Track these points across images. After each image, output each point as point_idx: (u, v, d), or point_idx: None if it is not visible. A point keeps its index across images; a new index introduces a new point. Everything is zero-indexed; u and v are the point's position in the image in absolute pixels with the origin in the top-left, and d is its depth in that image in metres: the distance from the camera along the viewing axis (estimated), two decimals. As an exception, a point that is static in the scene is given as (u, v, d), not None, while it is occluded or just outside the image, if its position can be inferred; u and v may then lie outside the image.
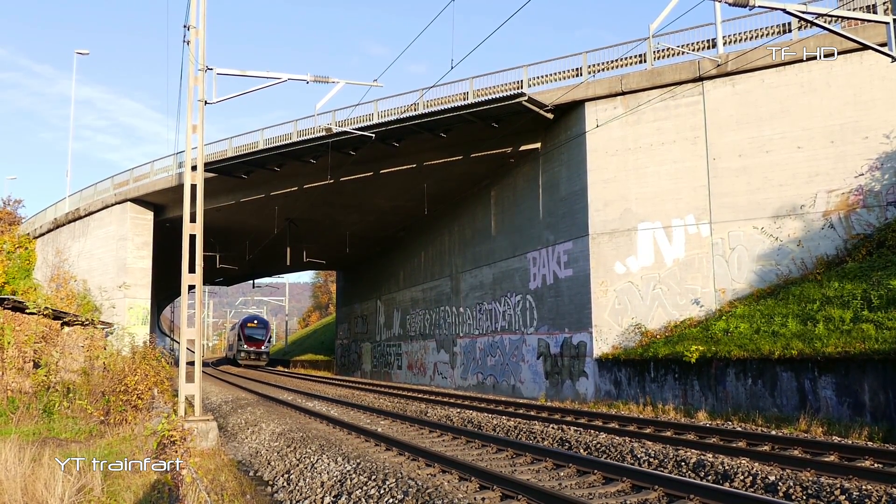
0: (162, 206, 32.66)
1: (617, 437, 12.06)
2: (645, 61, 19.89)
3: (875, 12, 15.92)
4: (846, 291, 14.65)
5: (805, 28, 17.39)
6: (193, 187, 13.49)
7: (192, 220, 13.48)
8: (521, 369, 23.44)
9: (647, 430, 12.96)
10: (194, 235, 13.36)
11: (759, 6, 10.35)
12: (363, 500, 8.11)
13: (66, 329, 21.69)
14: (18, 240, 37.90)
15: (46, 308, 18.73)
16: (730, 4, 10.08)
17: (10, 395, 16.32)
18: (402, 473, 8.81)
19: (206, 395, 24.96)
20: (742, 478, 8.54)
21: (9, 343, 17.17)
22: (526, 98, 20.11)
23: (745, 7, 10.12)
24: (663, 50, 19.43)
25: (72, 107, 46.51)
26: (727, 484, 8.52)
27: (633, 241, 19.37)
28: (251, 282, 61.33)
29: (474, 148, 23.61)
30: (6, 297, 18.16)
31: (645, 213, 19.33)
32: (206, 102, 13.89)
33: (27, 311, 18.58)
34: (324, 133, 23.34)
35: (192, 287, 13.61)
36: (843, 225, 16.84)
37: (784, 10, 10.69)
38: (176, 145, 40.92)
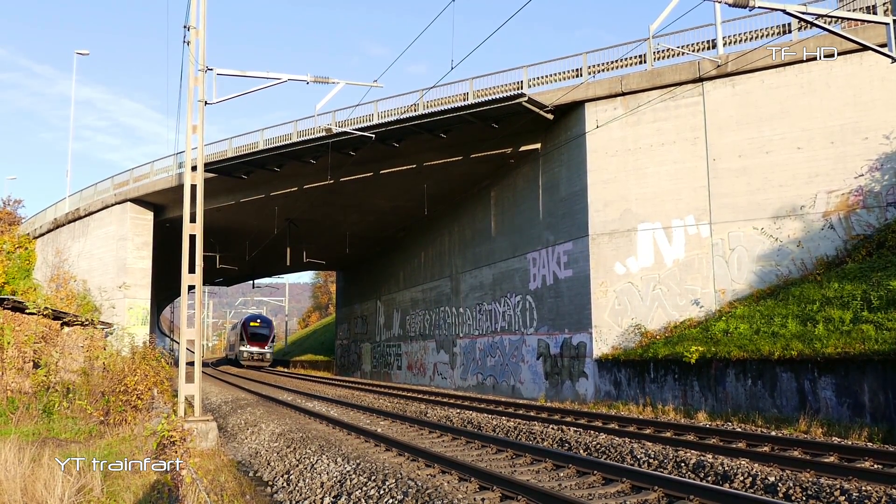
0: (162, 207, 32.67)
1: (617, 438, 12.06)
2: (645, 62, 19.89)
3: (875, 13, 15.93)
4: (846, 292, 14.65)
5: (805, 29, 17.39)
6: (193, 187, 13.50)
7: (192, 220, 13.48)
8: (521, 370, 23.45)
9: (647, 431, 12.95)
10: (194, 236, 13.37)
11: (759, 7, 10.35)
12: (363, 501, 8.11)
13: (66, 329, 21.69)
14: (18, 240, 37.92)
15: (46, 308, 18.73)
16: (730, 5, 10.08)
17: (10, 395, 16.32)
18: (401, 474, 8.81)
19: (206, 396, 24.96)
20: (742, 478, 8.54)
21: (8, 343, 17.17)
22: (526, 99, 20.12)
23: (746, 8, 10.13)
24: (663, 50, 19.43)
25: (72, 107, 46.66)
26: (727, 485, 8.52)
27: (633, 242, 19.38)
28: (251, 282, 60.84)
29: (474, 148, 23.62)
30: (6, 297, 18.16)
31: (645, 214, 19.33)
32: (206, 103, 13.90)
33: (27, 311, 18.58)
34: (324, 133, 23.36)
35: (191, 287, 13.62)
36: (842, 225, 16.85)
37: (784, 11, 10.70)
38: (176, 145, 40.90)
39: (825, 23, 11.85)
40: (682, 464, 9.54)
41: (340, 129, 22.60)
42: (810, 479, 8.22)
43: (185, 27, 13.90)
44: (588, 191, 20.14)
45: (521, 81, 21.77)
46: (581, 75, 20.76)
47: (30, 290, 33.60)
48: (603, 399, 18.85)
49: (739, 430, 12.66)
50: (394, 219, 33.80)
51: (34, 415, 14.70)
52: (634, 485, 8.24)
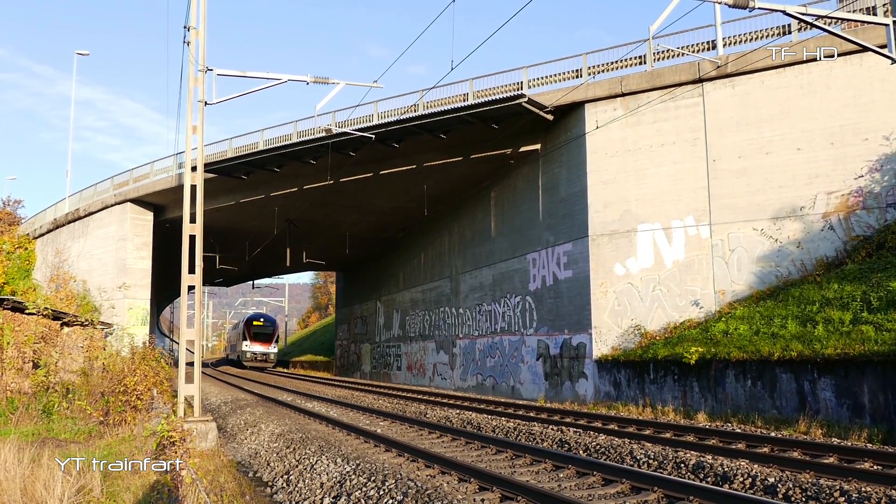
0: (162, 207, 32.67)
1: (616, 439, 12.06)
2: (645, 63, 19.90)
3: (875, 14, 15.94)
4: (846, 293, 14.65)
5: (805, 30, 17.40)
6: (193, 188, 13.50)
7: (192, 220, 13.48)
8: (521, 370, 23.44)
9: (647, 432, 12.95)
10: (194, 236, 13.37)
11: (759, 7, 10.36)
12: (362, 501, 8.11)
13: (66, 329, 21.69)
14: (18, 240, 37.92)
15: (46, 308, 18.73)
16: (730, 6, 10.09)
17: (10, 395, 16.32)
18: (401, 474, 8.81)
19: (206, 396, 24.95)
20: (741, 479, 8.54)
21: (8, 343, 17.17)
22: (526, 99, 20.12)
23: (746, 9, 10.14)
24: (663, 51, 19.43)
25: (72, 107, 46.68)
26: (727, 485, 8.52)
27: (633, 243, 19.38)
28: (251, 282, 60.48)
29: (474, 149, 23.62)
30: (6, 297, 18.16)
31: (645, 215, 19.33)
32: (206, 103, 13.90)
33: (27, 311, 18.57)
34: (324, 134, 23.36)
35: (191, 288, 13.62)
36: (842, 226, 16.85)
37: (784, 12, 10.70)
38: (176, 146, 40.86)
39: (825, 24, 11.86)
40: (682, 465, 9.54)
41: (340, 130, 22.61)
42: (810, 480, 8.22)
43: (185, 27, 13.91)
44: (588, 191, 20.14)
45: (521, 82, 21.78)
46: (581, 76, 20.77)
47: (29, 290, 33.60)
48: (603, 400, 18.85)
49: (739, 430, 12.66)
50: (394, 219, 33.80)
51: (34, 415, 14.70)
52: (634, 485, 8.25)
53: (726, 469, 8.97)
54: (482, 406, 19.09)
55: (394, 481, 8.49)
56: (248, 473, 10.99)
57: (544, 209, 22.58)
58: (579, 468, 9.28)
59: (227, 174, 27.15)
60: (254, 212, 31.65)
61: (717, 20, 18.56)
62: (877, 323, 13.17)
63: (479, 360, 26.68)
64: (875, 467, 9.15)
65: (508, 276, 24.83)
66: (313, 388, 31.06)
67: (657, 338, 18.27)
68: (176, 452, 8.98)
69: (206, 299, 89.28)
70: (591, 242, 19.96)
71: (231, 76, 14.49)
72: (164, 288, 49.51)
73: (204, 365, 54.39)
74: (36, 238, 38.16)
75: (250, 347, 56.42)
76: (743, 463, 9.45)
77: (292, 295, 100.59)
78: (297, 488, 9.35)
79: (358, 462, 9.87)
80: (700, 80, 18.79)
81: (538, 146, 22.82)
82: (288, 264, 39.00)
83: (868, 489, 7.73)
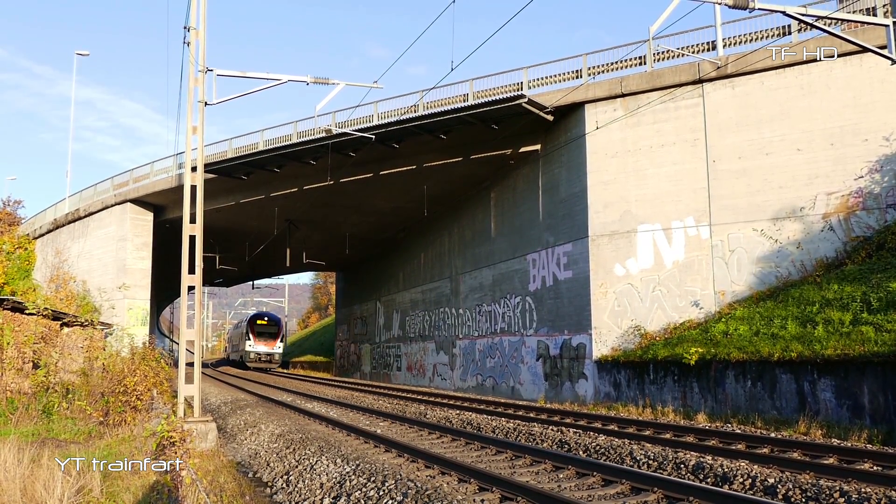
0: (162, 207, 32.68)
1: (616, 439, 12.06)
2: (645, 63, 19.91)
3: (875, 15, 15.94)
4: (846, 294, 14.66)
5: (805, 30, 17.41)
6: (193, 188, 13.50)
7: (192, 220, 13.48)
8: (521, 371, 23.44)
9: (647, 432, 12.95)
10: (194, 236, 13.37)
11: (759, 8, 10.36)
12: (362, 502, 8.11)
13: (66, 330, 21.68)
14: (18, 240, 37.92)
15: (46, 309, 18.72)
16: (730, 7, 10.10)
17: (10, 395, 16.31)
18: (401, 475, 8.81)
19: (206, 396, 24.95)
20: (741, 480, 8.54)
21: (8, 344, 17.17)
22: (526, 100, 20.12)
23: (746, 9, 10.14)
24: (663, 52, 19.44)
25: (72, 108, 46.66)
26: (726, 486, 8.52)
27: (633, 243, 19.38)
28: (251, 283, 60.25)
29: (474, 149, 23.63)
30: (6, 297, 18.15)
31: (645, 215, 19.33)
32: (206, 103, 13.90)
33: (26, 311, 18.57)
34: (324, 134, 23.37)
35: (191, 288, 13.62)
36: (842, 227, 16.85)
37: (784, 13, 10.71)
38: (176, 146, 40.74)
39: (825, 24, 11.87)
40: (682, 465, 9.54)
41: (340, 130, 22.61)
42: (810, 481, 8.22)
43: (185, 28, 13.90)
44: (588, 192, 20.14)
45: (521, 82, 21.79)
46: (581, 76, 20.78)
47: (29, 290, 33.60)
48: (602, 400, 18.85)
49: (739, 431, 12.66)
50: (394, 220, 33.80)
51: (33, 415, 14.70)
52: (634, 486, 8.25)
53: (726, 470, 8.97)
54: (482, 406, 19.09)
55: (394, 482, 8.49)
56: (247, 474, 10.98)
57: (544, 210, 22.58)
58: (579, 469, 9.28)
59: (227, 174, 27.15)
60: (254, 212, 31.65)
61: (717, 21, 18.58)
62: (877, 324, 13.17)
63: (479, 361, 26.68)
64: (875, 468, 9.15)
65: (508, 277, 24.84)
66: (313, 388, 31.06)
67: (657, 338, 18.27)
68: (176, 453, 8.97)
69: (206, 300, 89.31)
70: (591, 243, 19.97)
71: (231, 76, 14.50)
72: (164, 288, 49.49)
73: (204, 365, 54.30)
74: (36, 238, 38.17)
75: (254, 347, 53.68)
76: (743, 463, 9.45)
77: (292, 295, 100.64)
78: (296, 489, 9.36)
79: (358, 462, 9.87)
80: (700, 81, 18.80)
81: (538, 147, 22.82)
82: (288, 265, 39.00)
83: (868, 490, 7.73)
